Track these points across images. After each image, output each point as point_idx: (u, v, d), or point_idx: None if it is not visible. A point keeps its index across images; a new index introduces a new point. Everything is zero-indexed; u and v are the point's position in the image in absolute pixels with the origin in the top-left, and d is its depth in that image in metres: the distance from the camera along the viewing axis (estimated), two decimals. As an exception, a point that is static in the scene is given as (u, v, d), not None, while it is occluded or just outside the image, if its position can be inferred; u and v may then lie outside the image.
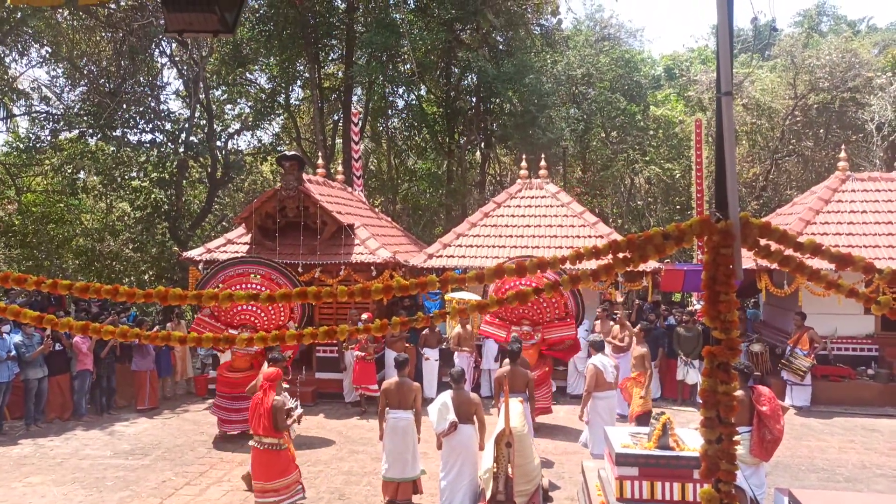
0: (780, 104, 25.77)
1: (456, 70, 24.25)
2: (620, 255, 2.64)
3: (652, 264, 12.54)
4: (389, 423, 7.35)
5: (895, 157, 14.32)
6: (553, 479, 8.11)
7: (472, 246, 13.66)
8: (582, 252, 2.69)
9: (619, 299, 13.36)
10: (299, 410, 7.03)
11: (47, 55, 19.95)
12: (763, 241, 2.56)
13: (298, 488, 7.03)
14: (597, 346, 8.85)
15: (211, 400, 11.79)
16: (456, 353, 11.98)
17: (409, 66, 23.04)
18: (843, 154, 14.23)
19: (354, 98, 24.58)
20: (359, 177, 17.86)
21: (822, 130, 26.05)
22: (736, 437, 2.62)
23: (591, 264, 2.72)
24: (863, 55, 24.67)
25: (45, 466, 8.77)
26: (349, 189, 16.38)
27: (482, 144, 25.41)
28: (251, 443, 6.94)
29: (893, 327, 12.10)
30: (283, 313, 10.29)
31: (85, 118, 19.48)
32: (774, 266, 3.42)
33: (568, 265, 2.74)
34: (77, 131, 19.95)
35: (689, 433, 6.56)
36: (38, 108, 20.60)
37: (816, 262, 2.64)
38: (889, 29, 34.73)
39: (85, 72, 20.35)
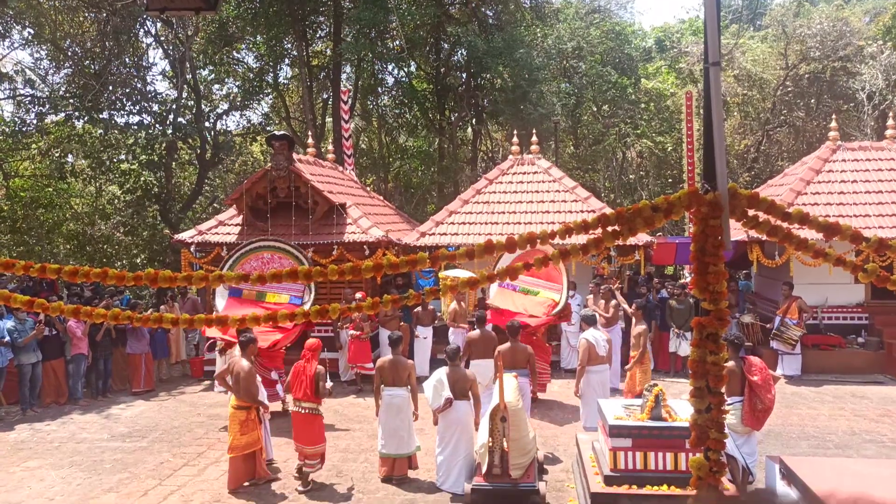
0: (771, 75, 25.68)
1: (445, 45, 24.00)
2: (610, 229, 2.64)
3: (644, 237, 12.56)
4: (385, 401, 7.43)
5: (886, 126, 14.33)
6: (547, 452, 8.20)
7: (464, 223, 13.64)
8: (571, 226, 2.69)
9: (607, 273, 13.40)
10: (330, 383, 7.33)
11: (30, 37, 19.63)
12: (751, 212, 2.57)
13: (319, 461, 7.34)
14: (588, 321, 8.91)
15: (208, 381, 11.82)
16: (451, 329, 12.02)
17: (398, 42, 22.79)
18: (833, 124, 14.24)
19: (343, 76, 24.34)
20: (349, 155, 17.76)
21: (813, 100, 26.02)
22: (726, 407, 2.65)
23: (582, 238, 2.72)
24: (854, 24, 24.57)
25: (43, 451, 8.81)
26: (340, 168, 16.30)
27: (473, 121, 25.24)
28: (292, 408, 7.32)
29: (883, 296, 12.21)
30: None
31: (71, 101, 19.23)
32: (764, 237, 3.44)
33: (558, 239, 2.74)
34: (63, 114, 19.70)
35: (681, 404, 6.63)
36: (22, 92, 20.32)
37: (806, 232, 2.64)
38: (880, -3, 34.53)
39: (69, 53, 20.05)
